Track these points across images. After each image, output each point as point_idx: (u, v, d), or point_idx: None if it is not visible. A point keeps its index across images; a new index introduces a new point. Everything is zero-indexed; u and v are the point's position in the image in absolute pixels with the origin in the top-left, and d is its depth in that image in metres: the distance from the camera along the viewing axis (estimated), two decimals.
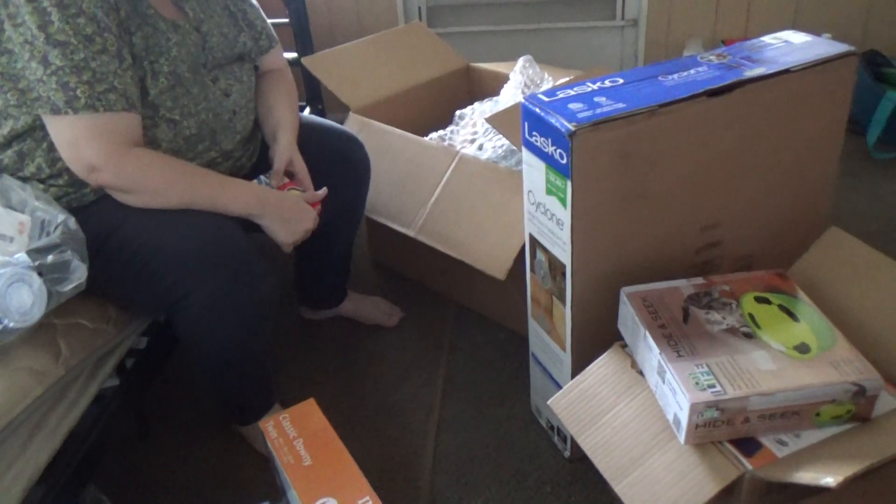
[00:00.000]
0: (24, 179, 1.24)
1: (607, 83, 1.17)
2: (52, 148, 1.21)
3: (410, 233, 1.63)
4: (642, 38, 2.89)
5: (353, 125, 1.85)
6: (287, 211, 1.31)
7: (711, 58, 1.22)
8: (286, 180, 1.40)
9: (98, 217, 1.23)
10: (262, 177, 1.38)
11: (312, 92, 2.38)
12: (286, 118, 1.45)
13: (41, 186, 1.24)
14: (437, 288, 1.93)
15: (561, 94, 1.14)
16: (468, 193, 1.57)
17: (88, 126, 1.15)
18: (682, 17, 2.84)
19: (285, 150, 1.41)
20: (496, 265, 1.47)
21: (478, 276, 1.55)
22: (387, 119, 1.87)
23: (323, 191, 1.41)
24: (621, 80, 1.17)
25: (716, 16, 2.83)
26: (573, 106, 1.09)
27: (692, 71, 1.18)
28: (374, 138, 1.79)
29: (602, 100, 1.10)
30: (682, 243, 1.22)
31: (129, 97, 1.18)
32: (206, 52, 1.33)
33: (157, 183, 1.20)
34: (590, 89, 1.15)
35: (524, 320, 1.40)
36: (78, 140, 1.15)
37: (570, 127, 1.03)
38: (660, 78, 1.16)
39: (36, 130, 1.21)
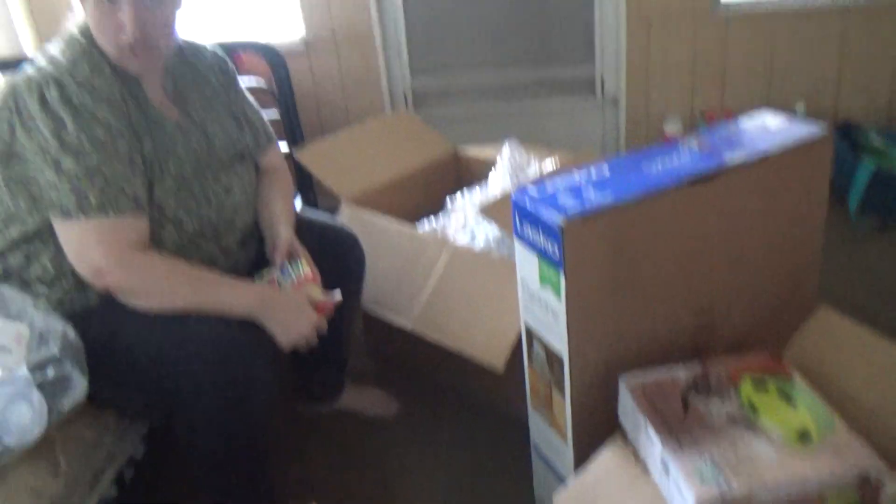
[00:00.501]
0: (29, 281, 1.26)
1: (593, 173, 1.20)
2: (58, 250, 1.22)
3: (407, 325, 1.63)
4: (623, 115, 2.97)
5: (345, 215, 1.88)
6: (288, 314, 1.32)
7: (692, 143, 1.26)
8: (307, 272, 1.40)
9: (100, 321, 1.24)
10: (280, 270, 1.39)
11: (304, 181, 2.42)
12: (283, 213, 1.48)
13: (45, 290, 1.25)
14: (435, 376, 1.92)
15: (550, 188, 1.17)
16: (463, 283, 1.59)
17: (97, 229, 1.17)
18: (660, 93, 2.93)
19: (287, 238, 1.43)
20: (494, 357, 1.47)
21: (476, 365, 1.55)
22: (378, 207, 1.90)
23: (337, 295, 1.41)
24: (607, 170, 1.20)
25: (692, 91, 2.92)
26: (562, 199, 1.11)
27: (674, 158, 1.21)
28: (367, 228, 1.81)
29: (590, 191, 1.13)
30: (676, 327, 1.23)
31: (139, 200, 1.21)
32: (209, 152, 1.37)
33: (162, 286, 1.22)
34: (577, 181, 1.18)
35: (524, 409, 1.40)
36: (86, 243, 1.17)
37: (561, 221, 1.05)
38: (643, 166, 1.20)
39: (43, 233, 1.23)
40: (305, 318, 1.33)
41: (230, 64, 1.52)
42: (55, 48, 1.25)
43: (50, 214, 1.19)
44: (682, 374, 1.10)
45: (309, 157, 2.01)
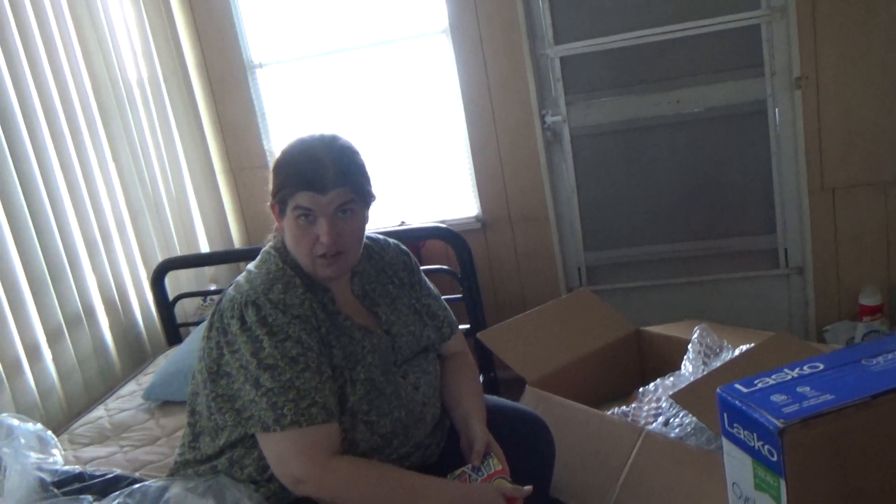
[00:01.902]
0: (238, 481, 1.33)
1: (807, 369, 1.14)
2: (261, 456, 1.30)
3: None
4: (811, 286, 2.82)
5: (531, 399, 1.87)
6: None
7: None
8: (499, 467, 1.40)
9: None
10: (468, 467, 1.40)
11: (485, 361, 2.45)
12: (475, 406, 1.50)
13: (254, 488, 1.32)
14: None
15: (759, 384, 1.12)
16: (659, 474, 1.52)
17: (293, 441, 1.24)
18: (851, 262, 2.77)
19: (482, 434, 1.43)
20: None
21: None
22: (562, 389, 1.88)
23: (528, 488, 1.39)
24: (822, 366, 1.13)
25: (888, 259, 2.75)
26: (776, 398, 1.06)
27: None
28: (553, 412, 1.79)
29: (806, 390, 1.07)
30: None
31: (329, 408, 1.27)
32: (395, 352, 1.43)
33: (356, 495, 1.26)
34: (789, 377, 1.12)
35: None
36: (285, 455, 1.25)
37: (779, 424, 0.99)
38: (863, 362, 1.12)
39: (246, 439, 1.32)
40: None
41: (413, 259, 1.59)
42: (254, 267, 1.39)
43: (252, 429, 1.28)
44: None
45: (492, 338, 2.05)
